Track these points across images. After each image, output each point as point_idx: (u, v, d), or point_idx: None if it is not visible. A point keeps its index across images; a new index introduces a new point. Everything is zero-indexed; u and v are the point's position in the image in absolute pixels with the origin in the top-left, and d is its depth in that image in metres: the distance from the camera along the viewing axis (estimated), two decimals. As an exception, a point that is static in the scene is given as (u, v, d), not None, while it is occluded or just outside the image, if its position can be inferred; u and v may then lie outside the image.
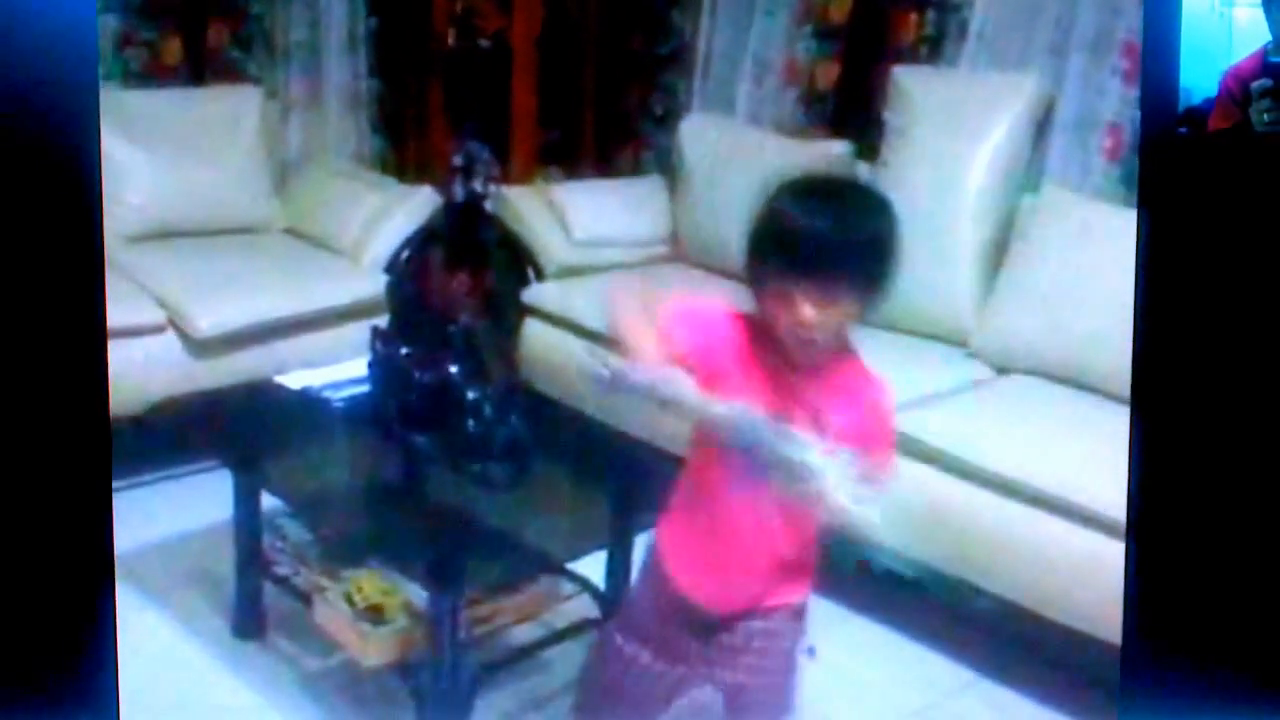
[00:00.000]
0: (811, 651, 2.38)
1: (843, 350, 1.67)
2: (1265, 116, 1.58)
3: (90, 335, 1.45)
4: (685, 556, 1.75)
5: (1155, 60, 1.57)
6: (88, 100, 1.43)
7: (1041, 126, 3.12)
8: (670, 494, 1.77)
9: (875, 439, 1.67)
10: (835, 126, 3.60)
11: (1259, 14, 1.60)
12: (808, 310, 1.57)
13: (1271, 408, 1.56)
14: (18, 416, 1.45)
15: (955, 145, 3.09)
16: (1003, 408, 2.70)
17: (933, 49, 3.40)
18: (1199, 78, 1.59)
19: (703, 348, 1.66)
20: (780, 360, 1.63)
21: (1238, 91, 1.59)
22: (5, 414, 1.46)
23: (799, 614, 1.78)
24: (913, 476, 2.55)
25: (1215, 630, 1.61)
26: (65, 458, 1.48)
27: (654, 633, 1.79)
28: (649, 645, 1.79)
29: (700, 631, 1.76)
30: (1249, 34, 1.60)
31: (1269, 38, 1.60)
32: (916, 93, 3.21)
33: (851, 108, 3.57)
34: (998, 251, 3.03)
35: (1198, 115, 1.59)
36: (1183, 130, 1.58)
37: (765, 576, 1.73)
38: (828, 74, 3.63)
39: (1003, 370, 2.89)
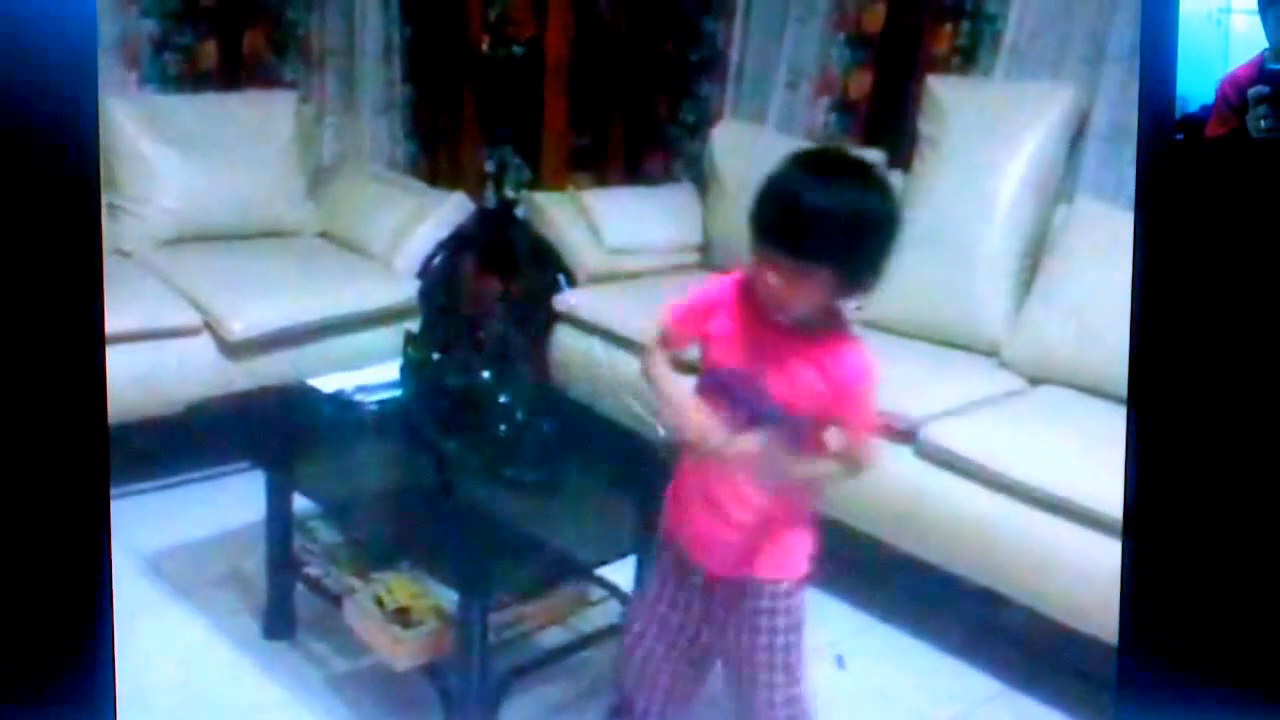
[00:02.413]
0: (840, 661, 2.39)
1: (834, 327, 1.72)
2: (1262, 123, 1.58)
3: (89, 336, 1.46)
4: (683, 516, 1.83)
5: (1152, 67, 1.59)
6: (87, 102, 1.44)
7: (1075, 137, 3.10)
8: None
9: (850, 416, 1.72)
10: (868, 135, 3.59)
11: (1256, 21, 1.60)
12: (774, 275, 1.64)
13: (1270, 411, 1.56)
14: (17, 418, 1.46)
15: (988, 155, 3.08)
16: (1034, 419, 2.69)
17: (966, 58, 3.39)
18: (1196, 85, 1.59)
19: (701, 321, 1.77)
20: (767, 322, 1.70)
21: (1235, 98, 1.59)
22: (4, 416, 1.47)
23: (792, 593, 1.82)
24: (942, 487, 2.55)
25: (1211, 628, 1.61)
26: (64, 459, 1.48)
27: (669, 596, 1.87)
28: (668, 611, 1.87)
29: (705, 595, 1.83)
30: (1246, 41, 1.59)
31: (1266, 45, 1.60)
32: (950, 102, 3.20)
33: (884, 117, 3.56)
34: (1030, 262, 3.02)
35: (1194, 122, 1.59)
36: (1179, 137, 1.59)
37: (753, 539, 1.78)
38: (861, 82, 3.63)
39: (1035, 381, 2.87)
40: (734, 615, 1.83)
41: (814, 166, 1.70)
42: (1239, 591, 1.60)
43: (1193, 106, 1.59)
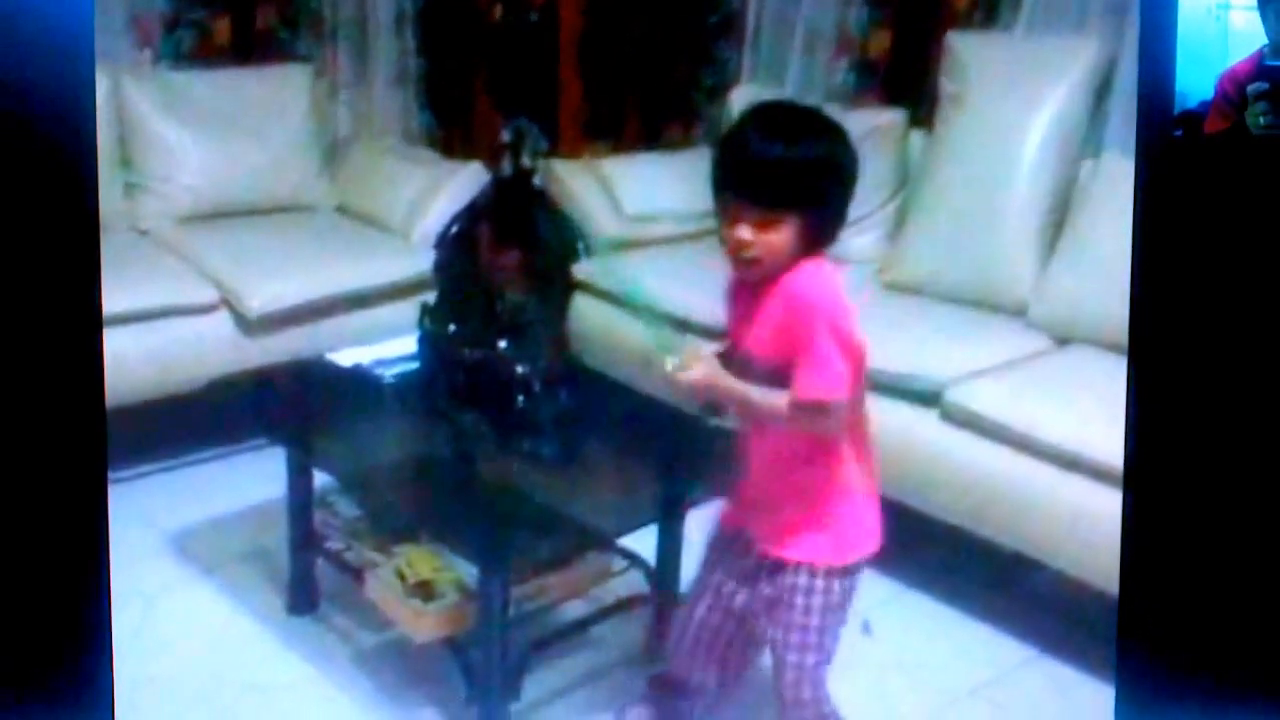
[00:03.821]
0: (867, 628, 2.36)
1: (787, 272, 1.68)
2: (1261, 119, 1.59)
3: (87, 321, 1.44)
4: (739, 492, 1.84)
5: (1151, 63, 1.59)
6: (83, 83, 1.42)
7: (1100, 91, 3.04)
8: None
9: (800, 348, 1.64)
10: (888, 95, 3.54)
11: (1255, 17, 1.60)
12: (741, 227, 1.63)
13: (1270, 409, 1.57)
14: (12, 405, 1.44)
15: (1012, 112, 3.02)
16: (1061, 379, 2.64)
17: (988, 14, 3.33)
18: (1195, 80, 1.60)
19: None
20: (745, 287, 1.71)
21: (1234, 94, 1.59)
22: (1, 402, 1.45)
23: (829, 575, 1.78)
24: (969, 450, 2.52)
25: (1213, 585, 1.61)
26: (61, 447, 1.47)
27: (721, 572, 1.87)
28: (720, 587, 1.87)
29: (746, 573, 1.82)
30: (1245, 37, 1.59)
31: (1265, 40, 1.59)
32: (971, 59, 3.14)
33: (905, 76, 3.51)
34: (1056, 220, 2.96)
35: (1193, 118, 1.59)
36: (1178, 133, 1.58)
37: (789, 519, 1.76)
38: (880, 41, 3.57)
39: (1062, 341, 2.83)
40: (769, 593, 1.81)
41: (769, 115, 1.70)
42: (1242, 548, 1.59)
43: (1192, 102, 1.61)
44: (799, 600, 1.77)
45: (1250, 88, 1.59)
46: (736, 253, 1.65)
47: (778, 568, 1.79)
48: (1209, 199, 1.57)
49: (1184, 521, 1.62)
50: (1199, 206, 1.57)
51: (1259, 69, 1.59)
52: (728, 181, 1.65)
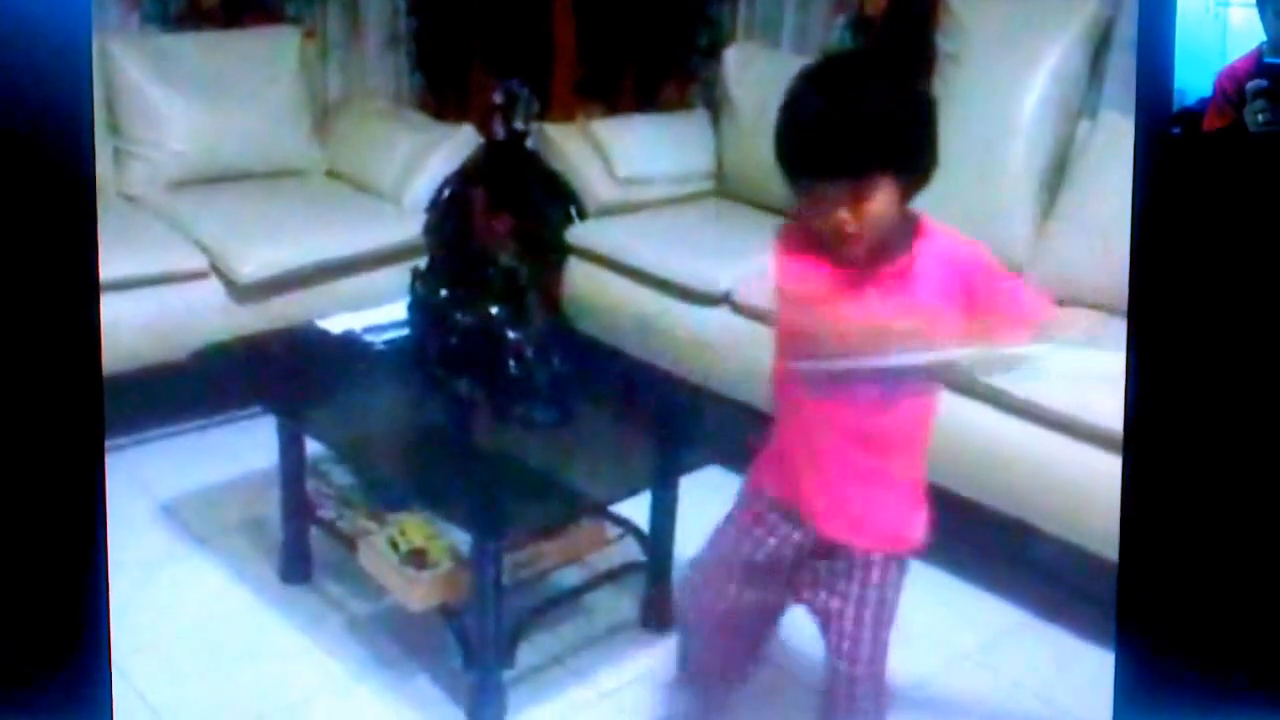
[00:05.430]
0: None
1: (908, 236, 1.57)
2: (1260, 117, 1.58)
3: (83, 290, 1.42)
4: (798, 473, 1.70)
5: (1149, 60, 1.57)
6: (80, 49, 1.39)
7: (1099, 49, 2.99)
8: (771, 430, 1.73)
9: (994, 299, 1.59)
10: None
11: (1254, 14, 1.59)
12: (841, 208, 1.49)
13: (1269, 404, 1.56)
14: (8, 376, 1.42)
15: (1010, 70, 2.98)
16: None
17: (986, -31, 3.28)
18: (1193, 78, 1.59)
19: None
20: (855, 272, 1.54)
21: (1232, 92, 1.58)
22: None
23: (898, 565, 1.77)
24: (967, 415, 2.50)
25: (1211, 550, 1.62)
26: (57, 414, 1.45)
27: (761, 563, 1.75)
28: (751, 558, 1.75)
29: (806, 553, 1.73)
30: (1244, 34, 1.58)
31: (1264, 38, 1.58)
32: (969, 15, 3.09)
33: (901, 33, 3.46)
34: (1054, 180, 2.93)
35: (1192, 116, 1.58)
36: (1176, 131, 1.57)
37: (873, 506, 1.70)
38: (876, -2, 3.53)
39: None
40: (837, 579, 1.73)
41: (825, 76, 1.55)
42: (1242, 514, 1.59)
43: (1190, 100, 1.59)
44: (873, 595, 1.74)
45: (1249, 85, 1.58)
46: (838, 235, 1.51)
47: (855, 555, 1.72)
48: (1207, 197, 1.56)
49: (1184, 487, 1.61)
50: (1197, 204, 1.56)
51: (1258, 67, 1.58)
52: (803, 165, 1.51)
